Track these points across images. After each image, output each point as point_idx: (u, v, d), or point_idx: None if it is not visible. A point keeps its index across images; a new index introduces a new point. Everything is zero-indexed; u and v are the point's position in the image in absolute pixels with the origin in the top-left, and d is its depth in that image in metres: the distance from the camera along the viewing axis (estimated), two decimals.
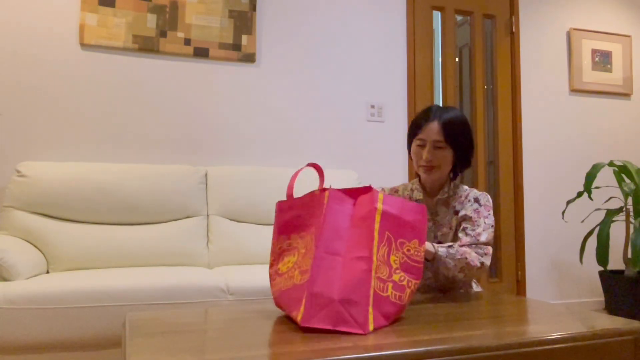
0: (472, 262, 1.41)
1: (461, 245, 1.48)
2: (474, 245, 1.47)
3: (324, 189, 1.19)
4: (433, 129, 1.53)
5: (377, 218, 1.10)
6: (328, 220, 1.09)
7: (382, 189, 1.72)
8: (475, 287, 1.66)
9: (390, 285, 1.05)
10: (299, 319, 0.99)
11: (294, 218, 1.20)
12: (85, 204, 2.48)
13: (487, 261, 1.46)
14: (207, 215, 2.74)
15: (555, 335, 0.97)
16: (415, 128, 1.58)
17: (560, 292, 3.73)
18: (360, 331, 1.00)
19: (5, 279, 2.00)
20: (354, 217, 1.12)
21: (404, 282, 1.08)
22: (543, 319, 1.21)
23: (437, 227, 1.61)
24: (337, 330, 0.99)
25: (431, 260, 1.41)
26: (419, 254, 1.14)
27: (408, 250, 1.13)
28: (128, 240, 2.48)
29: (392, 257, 1.08)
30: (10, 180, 2.48)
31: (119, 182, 2.56)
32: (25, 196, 2.43)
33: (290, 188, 1.25)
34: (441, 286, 1.57)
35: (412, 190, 1.66)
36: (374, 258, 1.06)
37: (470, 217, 1.53)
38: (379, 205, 1.12)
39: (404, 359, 0.86)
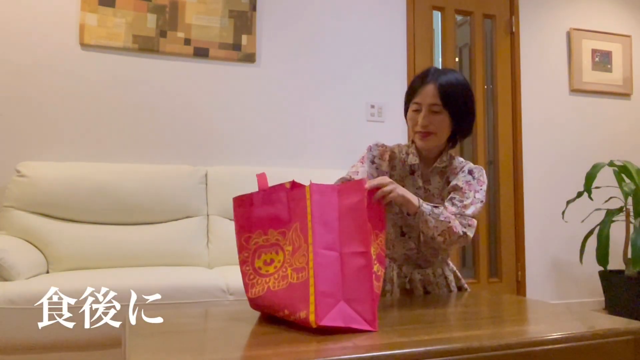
0: (455, 228, 1.32)
1: None
2: (458, 215, 1.37)
3: (296, 184, 1.16)
4: (429, 92, 1.42)
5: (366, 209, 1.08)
6: (316, 215, 1.06)
7: (376, 144, 1.62)
8: (459, 279, 1.60)
9: (374, 277, 1.05)
10: (311, 318, 0.97)
11: (269, 212, 1.16)
12: (85, 204, 2.48)
13: (470, 233, 1.36)
14: (207, 215, 2.74)
15: (555, 335, 0.97)
16: (411, 92, 1.48)
17: (560, 292, 3.73)
18: (370, 328, 1.00)
19: (5, 279, 2.00)
20: (341, 207, 1.09)
21: (380, 273, 1.08)
22: (543, 319, 1.21)
23: (428, 196, 1.53)
24: (349, 329, 0.98)
25: (412, 214, 1.31)
26: (383, 243, 1.13)
27: (381, 241, 1.12)
28: (128, 240, 2.48)
29: (372, 249, 1.08)
30: (10, 180, 2.48)
31: (119, 182, 2.56)
32: (25, 196, 2.43)
33: (264, 180, 1.20)
34: (422, 258, 1.53)
35: (407, 154, 1.54)
36: (371, 252, 1.05)
37: (461, 188, 1.43)
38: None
39: (404, 359, 0.86)
